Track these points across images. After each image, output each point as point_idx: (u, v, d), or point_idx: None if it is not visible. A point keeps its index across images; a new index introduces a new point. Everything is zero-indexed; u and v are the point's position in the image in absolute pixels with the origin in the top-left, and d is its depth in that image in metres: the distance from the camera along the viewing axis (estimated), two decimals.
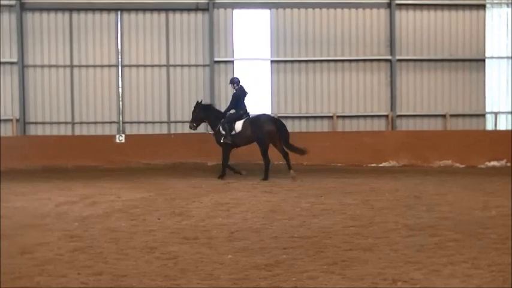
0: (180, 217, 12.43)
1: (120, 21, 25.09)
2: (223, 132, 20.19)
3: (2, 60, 24.58)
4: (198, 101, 21.03)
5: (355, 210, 13.00)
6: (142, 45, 25.26)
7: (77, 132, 25.02)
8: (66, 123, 24.96)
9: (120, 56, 25.07)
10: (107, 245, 9.90)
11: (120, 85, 25.12)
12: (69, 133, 24.95)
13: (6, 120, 24.62)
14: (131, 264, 8.65)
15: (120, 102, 25.12)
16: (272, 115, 22.18)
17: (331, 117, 25.82)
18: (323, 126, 25.85)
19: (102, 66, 25.14)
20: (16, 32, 24.54)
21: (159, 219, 12.22)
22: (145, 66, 25.26)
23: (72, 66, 25.01)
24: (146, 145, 23.87)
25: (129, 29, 25.19)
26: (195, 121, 20.68)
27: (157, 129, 25.23)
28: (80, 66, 25.06)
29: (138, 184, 18.38)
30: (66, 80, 25.01)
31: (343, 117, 25.94)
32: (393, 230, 10.78)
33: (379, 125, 25.98)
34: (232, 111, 20.44)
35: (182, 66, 25.37)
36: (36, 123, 24.81)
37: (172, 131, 25.19)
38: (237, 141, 20.21)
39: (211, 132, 21.08)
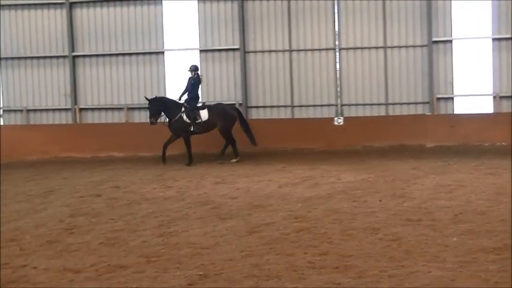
0: (401, 199, 12.40)
1: (337, 4, 25.18)
2: (189, 121, 20.73)
3: (225, 47, 25.56)
4: (148, 98, 21.28)
5: None
6: (359, 27, 25.22)
7: (296, 115, 25.49)
8: (285, 106, 25.51)
9: (337, 39, 25.23)
10: (330, 225, 10.08)
11: (338, 68, 25.27)
12: (289, 116, 25.48)
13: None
14: (355, 245, 8.76)
15: (338, 85, 25.29)
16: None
17: None
18: None
19: (320, 49, 25.41)
20: (238, 20, 25.39)
21: (380, 200, 12.26)
22: (362, 48, 25.23)
23: (291, 51, 25.50)
24: (365, 127, 23.89)
25: (346, 11, 25.21)
26: (154, 115, 20.74)
27: (376, 111, 25.14)
28: (298, 50, 25.50)
29: (358, 166, 18.48)
30: (285, 64, 25.54)
31: None
32: None
33: None
34: (185, 97, 21.06)
35: (399, 47, 25.07)
36: (257, 107, 25.58)
37: (391, 113, 25.01)
38: (200, 129, 20.95)
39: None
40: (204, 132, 21.26)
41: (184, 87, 21.32)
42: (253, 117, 25.46)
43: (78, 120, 26.14)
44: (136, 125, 25.32)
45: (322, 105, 25.28)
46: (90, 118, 26.41)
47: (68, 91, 26.25)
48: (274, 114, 25.53)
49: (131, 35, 25.99)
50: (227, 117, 21.29)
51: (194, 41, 25.83)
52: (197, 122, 20.86)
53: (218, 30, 25.67)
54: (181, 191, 14.62)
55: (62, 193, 14.96)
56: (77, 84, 26.33)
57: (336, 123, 23.99)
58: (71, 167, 20.99)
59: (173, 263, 8.19)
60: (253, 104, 25.57)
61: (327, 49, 25.33)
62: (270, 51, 25.53)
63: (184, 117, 20.85)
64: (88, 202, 13.44)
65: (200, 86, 21.80)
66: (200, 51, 25.73)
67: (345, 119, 24.38)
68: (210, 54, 25.73)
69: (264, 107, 25.55)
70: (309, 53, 25.43)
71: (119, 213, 12.00)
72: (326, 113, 25.18)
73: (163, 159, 20.87)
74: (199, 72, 21.54)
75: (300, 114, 25.45)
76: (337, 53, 25.18)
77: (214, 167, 19.24)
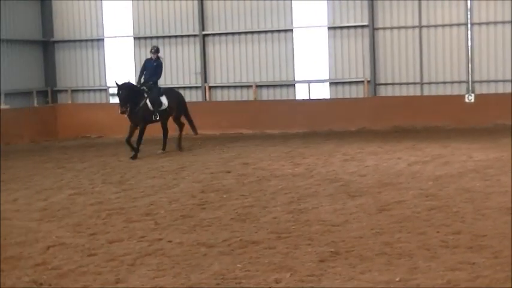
0: None
1: None
2: (152, 109, 18.56)
3: (354, 24, 25.31)
4: (117, 83, 18.54)
5: None
6: (492, 1, 24.39)
7: (426, 92, 25.05)
8: (414, 83, 25.09)
9: (469, 14, 24.52)
10: (463, 204, 9.94)
11: (469, 44, 24.58)
12: (418, 93, 25.05)
13: (358, 82, 25.39)
14: (489, 224, 8.60)
15: (469, 61, 24.61)
16: None
17: None
18: None
19: (450, 25, 24.78)
20: None
21: None
22: (495, 23, 24.41)
23: (420, 27, 24.98)
24: (497, 104, 23.21)
25: None
26: (125, 104, 18.02)
27: (509, 88, 24.35)
28: (428, 26, 24.96)
29: (489, 144, 18.00)
30: (414, 40, 25.05)
31: None
32: None
33: None
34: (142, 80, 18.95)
35: None
36: (386, 84, 25.27)
37: None
38: (161, 117, 18.96)
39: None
40: (162, 120, 19.32)
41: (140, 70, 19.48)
42: (382, 95, 25.21)
43: (208, 98, 26.60)
44: (264, 103, 25.59)
45: (452, 82, 24.70)
46: (220, 96, 26.83)
47: (198, 69, 26.73)
48: (403, 91, 25.16)
49: (260, 13, 26.15)
50: (181, 103, 19.74)
51: (322, 18, 25.74)
52: (161, 109, 18.89)
53: (346, 7, 25.42)
54: (309, 168, 14.71)
55: (193, 169, 15.35)
56: (207, 62, 26.77)
57: (466, 100, 23.44)
58: (202, 144, 21.38)
59: (304, 239, 8.28)
60: (382, 81, 25.27)
61: (458, 24, 24.68)
62: (399, 27, 25.11)
63: (149, 104, 18.59)
64: (219, 178, 13.74)
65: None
66: (328, 28, 25.63)
67: (476, 96, 23.78)
68: (338, 31, 25.58)
69: (392, 84, 25.21)
70: (439, 28, 24.86)
71: (249, 189, 12.21)
72: (456, 90, 24.60)
73: (134, 151, 18.54)
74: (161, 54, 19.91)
75: (429, 91, 24.98)
76: (469, 29, 24.49)
77: (343, 145, 19.16)
